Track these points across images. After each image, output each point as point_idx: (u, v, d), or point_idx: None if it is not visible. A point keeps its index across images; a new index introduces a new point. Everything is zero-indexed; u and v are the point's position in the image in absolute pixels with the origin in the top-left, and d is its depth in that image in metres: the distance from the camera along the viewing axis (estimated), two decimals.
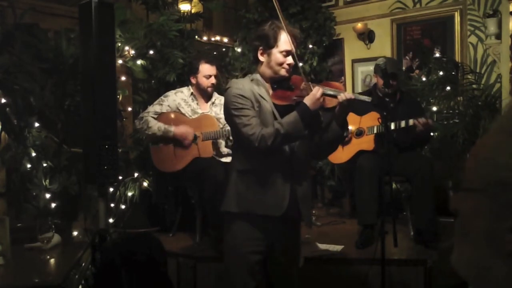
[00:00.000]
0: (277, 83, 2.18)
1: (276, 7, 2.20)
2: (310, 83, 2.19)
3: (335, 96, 2.11)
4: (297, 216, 2.25)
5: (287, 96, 2.17)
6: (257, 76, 2.20)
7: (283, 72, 2.16)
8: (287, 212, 2.14)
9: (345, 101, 2.08)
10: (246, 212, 2.14)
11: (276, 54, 2.14)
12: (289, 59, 2.15)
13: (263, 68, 2.20)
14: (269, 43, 2.14)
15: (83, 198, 3.44)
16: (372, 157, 3.38)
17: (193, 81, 3.50)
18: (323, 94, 2.10)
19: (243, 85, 2.13)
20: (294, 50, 2.15)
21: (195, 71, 3.47)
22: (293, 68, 2.21)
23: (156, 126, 3.34)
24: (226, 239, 2.25)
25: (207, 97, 3.55)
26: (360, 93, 4.49)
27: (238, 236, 2.17)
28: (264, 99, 2.14)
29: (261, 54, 2.18)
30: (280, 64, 2.15)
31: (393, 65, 3.43)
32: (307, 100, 2.08)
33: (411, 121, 3.26)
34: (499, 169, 0.64)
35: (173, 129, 3.33)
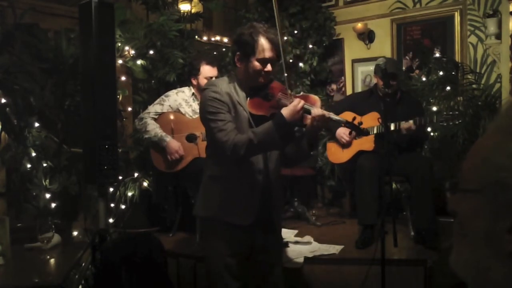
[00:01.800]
0: (254, 90, 2.10)
1: (275, 9, 2.16)
2: (291, 93, 2.11)
3: (309, 112, 2.00)
4: (269, 224, 2.19)
5: (263, 106, 2.09)
6: (235, 80, 2.12)
7: (260, 79, 2.08)
8: (257, 222, 2.09)
9: (317, 117, 1.97)
10: (211, 218, 2.12)
11: (254, 62, 2.05)
12: (268, 67, 2.06)
13: (241, 74, 2.12)
14: (246, 51, 2.05)
15: (83, 198, 3.44)
16: (373, 157, 3.38)
17: (194, 82, 3.49)
18: (303, 109, 1.98)
19: (220, 88, 2.06)
20: (274, 57, 2.07)
21: (196, 72, 3.46)
22: (275, 76, 2.12)
23: (153, 131, 3.34)
24: (204, 242, 2.23)
25: None
26: (360, 93, 4.52)
27: (211, 240, 2.15)
28: (240, 105, 2.08)
29: (238, 60, 2.10)
30: (258, 72, 2.06)
31: (393, 65, 3.43)
32: (285, 111, 1.96)
33: (410, 122, 3.28)
34: (497, 170, 0.64)
35: (168, 139, 3.33)
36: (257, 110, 2.08)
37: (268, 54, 2.05)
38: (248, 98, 2.11)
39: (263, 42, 2.04)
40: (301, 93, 2.16)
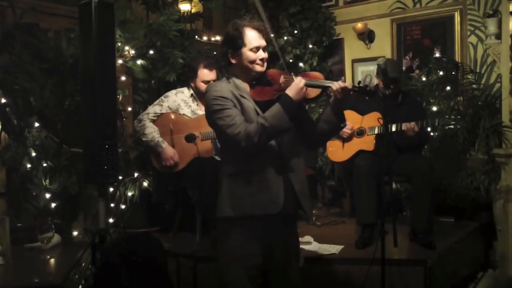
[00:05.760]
0: (255, 79, 2.15)
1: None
2: (292, 74, 2.15)
3: (317, 86, 2.09)
4: (294, 213, 2.23)
5: (266, 92, 2.13)
6: (233, 78, 2.17)
7: (257, 68, 2.13)
8: (284, 209, 2.11)
9: (339, 89, 2.04)
10: (242, 215, 2.12)
11: (246, 53, 2.11)
12: (261, 54, 2.13)
13: (238, 70, 2.17)
14: (236, 45, 2.11)
15: (83, 198, 3.44)
16: (369, 156, 3.39)
17: (192, 84, 3.51)
18: (306, 85, 2.06)
19: (221, 86, 2.11)
20: (264, 44, 2.13)
21: (193, 75, 3.47)
22: (273, 62, 2.19)
23: (150, 135, 3.34)
24: (222, 245, 2.22)
25: None
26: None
27: (236, 240, 2.14)
28: (244, 98, 2.11)
29: (232, 57, 2.15)
30: (253, 61, 2.12)
31: (394, 68, 3.39)
32: (290, 91, 2.03)
33: (404, 126, 3.29)
34: None
35: (164, 146, 3.33)
36: (262, 96, 2.13)
37: (257, 42, 2.12)
38: (251, 89, 2.15)
39: (249, 32, 2.12)
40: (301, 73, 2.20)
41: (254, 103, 2.12)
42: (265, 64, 2.16)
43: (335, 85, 2.05)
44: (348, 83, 2.09)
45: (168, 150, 3.34)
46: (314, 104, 4.43)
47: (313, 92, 2.10)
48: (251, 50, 2.11)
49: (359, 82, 2.13)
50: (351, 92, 2.11)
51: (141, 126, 3.39)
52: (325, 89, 2.11)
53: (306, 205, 2.21)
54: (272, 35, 2.28)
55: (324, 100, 3.81)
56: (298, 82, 2.05)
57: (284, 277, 2.25)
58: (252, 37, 2.11)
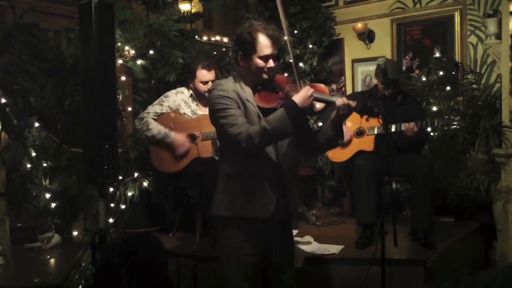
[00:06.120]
0: (261, 84, 2.14)
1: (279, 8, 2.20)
2: (301, 82, 2.14)
3: (322, 101, 2.07)
4: (287, 217, 2.24)
5: (271, 98, 2.12)
6: (239, 78, 2.16)
7: (264, 76, 2.12)
8: (275, 215, 2.12)
9: (342, 106, 2.04)
10: (235, 216, 2.12)
11: (256, 60, 2.09)
12: (270, 63, 2.10)
13: (244, 72, 2.16)
14: (247, 49, 2.09)
15: (83, 198, 3.44)
16: (369, 157, 3.39)
17: (191, 85, 3.51)
18: (313, 96, 2.04)
19: (227, 86, 2.10)
20: (275, 52, 2.11)
21: (192, 76, 3.47)
22: (284, 69, 2.18)
23: (156, 129, 3.34)
24: (219, 243, 2.23)
25: (205, 100, 3.56)
26: (360, 92, 4.52)
27: (230, 239, 2.15)
28: (249, 101, 2.11)
29: (240, 59, 2.14)
30: (261, 69, 2.10)
31: (394, 70, 3.39)
32: (296, 97, 2.02)
33: (403, 126, 3.29)
34: None
35: (173, 135, 3.33)
36: (266, 103, 2.11)
37: (268, 50, 2.09)
38: (256, 93, 2.14)
39: (262, 39, 2.08)
40: (308, 83, 2.20)
41: (257, 108, 2.12)
42: (272, 73, 2.14)
43: (339, 101, 2.05)
44: (352, 102, 2.08)
45: (178, 137, 3.33)
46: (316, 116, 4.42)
47: (318, 105, 2.10)
48: (260, 58, 2.09)
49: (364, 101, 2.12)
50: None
51: (143, 123, 3.38)
52: (329, 104, 2.10)
53: (293, 212, 2.27)
54: (287, 40, 2.26)
55: None
56: (307, 90, 2.03)
57: (280, 278, 2.26)
58: (264, 45, 2.08)
